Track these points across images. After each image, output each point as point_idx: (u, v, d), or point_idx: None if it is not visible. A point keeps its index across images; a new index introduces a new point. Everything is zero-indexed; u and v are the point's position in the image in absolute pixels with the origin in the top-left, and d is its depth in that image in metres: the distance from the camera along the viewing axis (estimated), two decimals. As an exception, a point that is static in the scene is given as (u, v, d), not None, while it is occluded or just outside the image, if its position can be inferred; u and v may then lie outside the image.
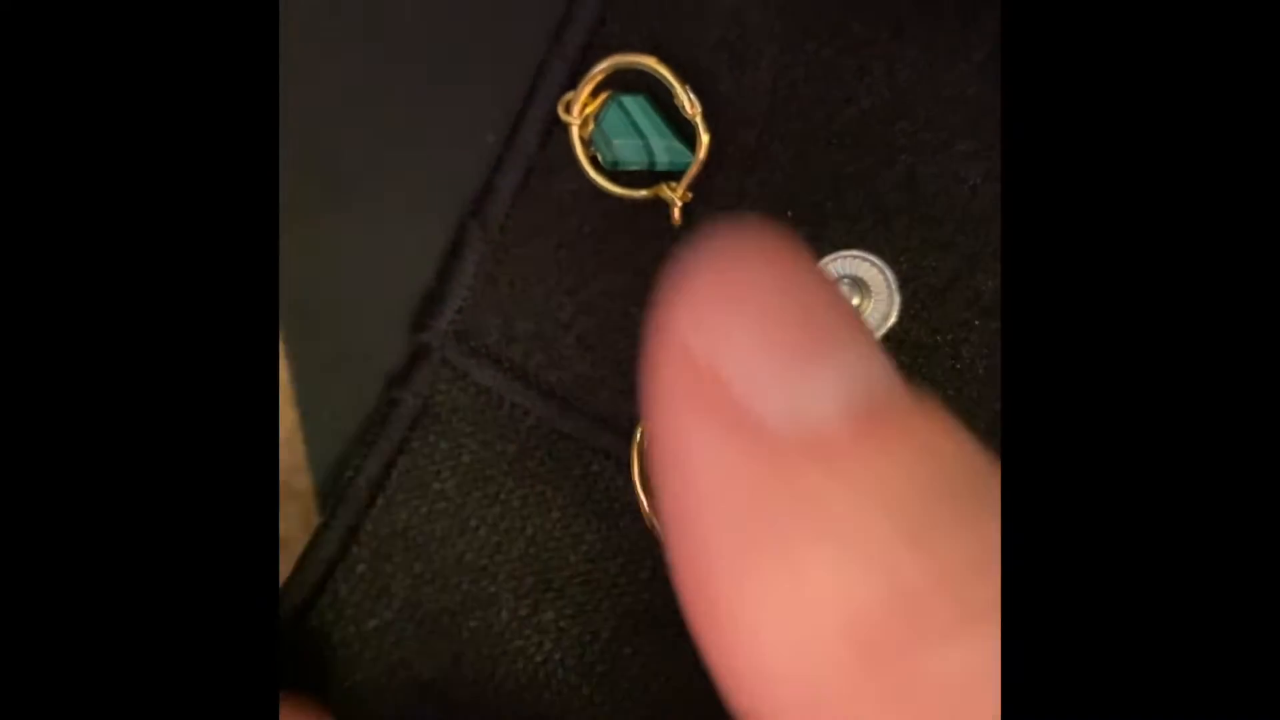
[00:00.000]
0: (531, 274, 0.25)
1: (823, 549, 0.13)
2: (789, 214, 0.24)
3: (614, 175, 0.24)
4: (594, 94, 0.24)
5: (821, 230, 0.24)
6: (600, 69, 0.23)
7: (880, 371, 0.13)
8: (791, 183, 0.24)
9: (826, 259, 0.23)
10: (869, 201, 0.23)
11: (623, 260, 0.24)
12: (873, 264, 0.23)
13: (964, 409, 0.23)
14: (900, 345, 0.23)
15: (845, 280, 0.23)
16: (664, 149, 0.23)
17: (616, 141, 0.23)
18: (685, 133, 0.23)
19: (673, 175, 0.23)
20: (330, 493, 0.26)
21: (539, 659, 0.25)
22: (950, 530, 0.13)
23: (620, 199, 0.24)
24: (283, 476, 0.27)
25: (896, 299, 0.23)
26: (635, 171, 0.24)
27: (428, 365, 0.25)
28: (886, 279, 0.23)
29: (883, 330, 0.23)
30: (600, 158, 0.24)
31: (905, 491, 0.13)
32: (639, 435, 0.24)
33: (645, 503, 0.23)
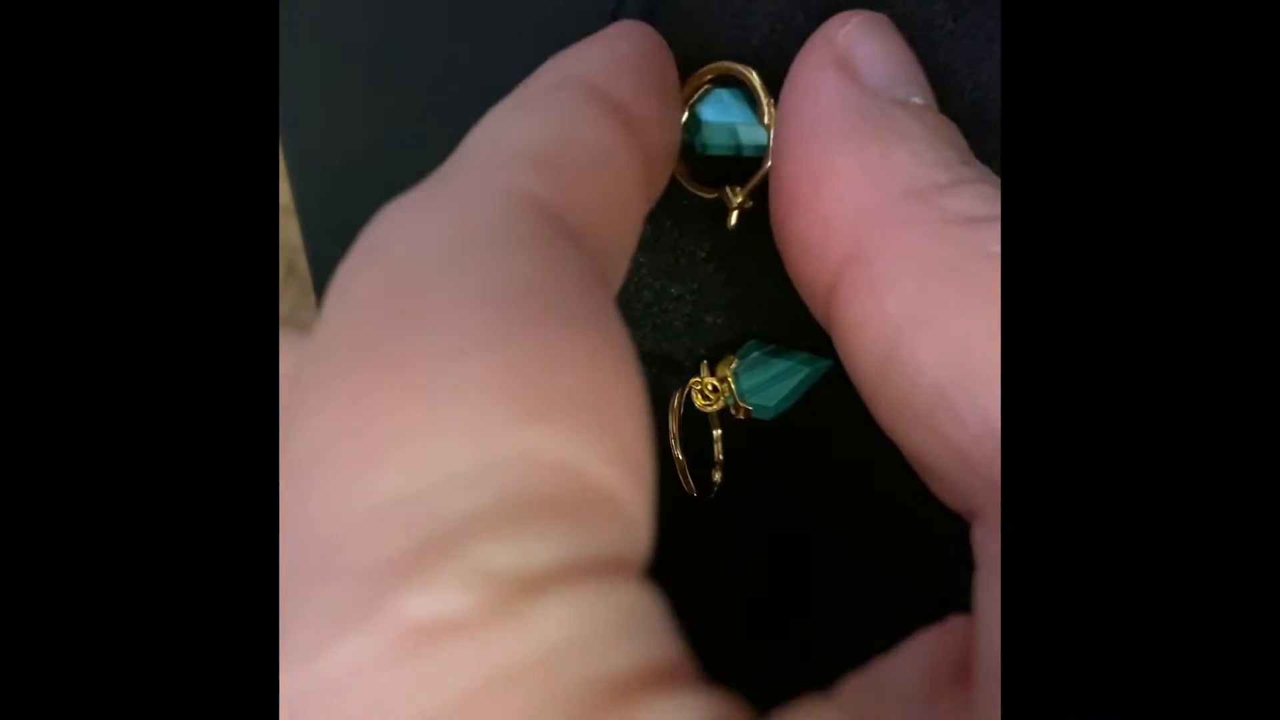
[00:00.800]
0: None
1: (903, 143, 0.20)
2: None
3: (696, 168, 0.25)
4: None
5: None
6: (706, 71, 0.24)
7: (932, 98, 0.22)
8: None
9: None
10: None
11: (660, 241, 0.26)
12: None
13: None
14: None
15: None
16: (749, 132, 0.24)
17: (710, 120, 0.24)
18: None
19: (757, 162, 0.24)
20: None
21: None
22: (957, 175, 0.20)
23: (685, 197, 0.25)
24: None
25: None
26: (715, 167, 0.25)
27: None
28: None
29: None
30: (692, 142, 0.24)
31: (938, 140, 0.21)
32: (678, 396, 0.25)
33: (681, 459, 0.25)
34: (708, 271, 0.26)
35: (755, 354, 0.25)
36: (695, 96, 0.24)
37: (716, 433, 0.25)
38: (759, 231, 0.23)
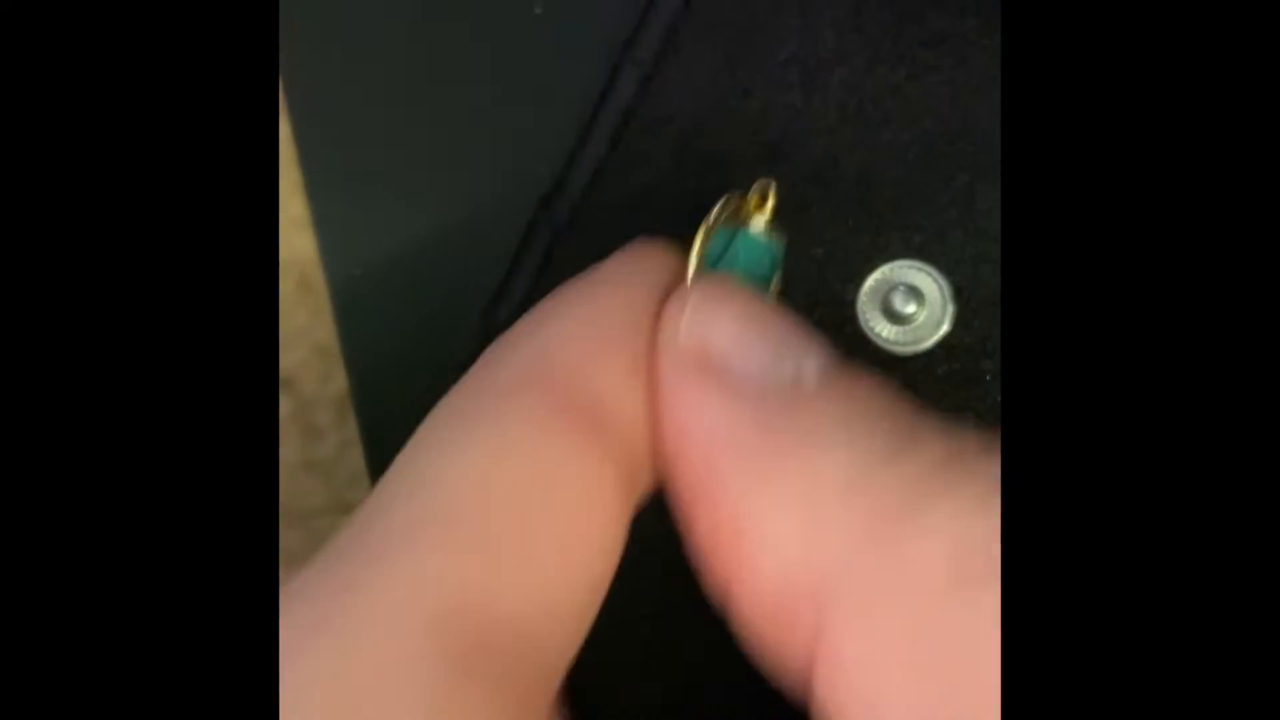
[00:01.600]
0: (597, 265, 0.26)
1: (828, 471, 0.16)
2: (849, 223, 0.25)
3: None
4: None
5: (880, 239, 0.25)
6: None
7: (826, 353, 0.18)
8: (854, 194, 0.25)
9: (885, 266, 0.25)
10: (927, 216, 0.25)
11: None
12: (928, 274, 0.25)
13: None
14: (951, 351, 0.25)
15: (901, 288, 0.24)
16: None
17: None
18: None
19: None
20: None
21: None
22: (899, 447, 0.16)
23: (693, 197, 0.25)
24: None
25: (950, 308, 0.24)
26: None
27: (493, 352, 0.26)
28: (941, 289, 0.25)
29: (936, 337, 0.24)
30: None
31: (860, 420, 0.17)
32: None
33: None
34: None
35: None
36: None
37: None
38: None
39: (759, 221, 0.23)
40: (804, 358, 0.18)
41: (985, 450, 0.16)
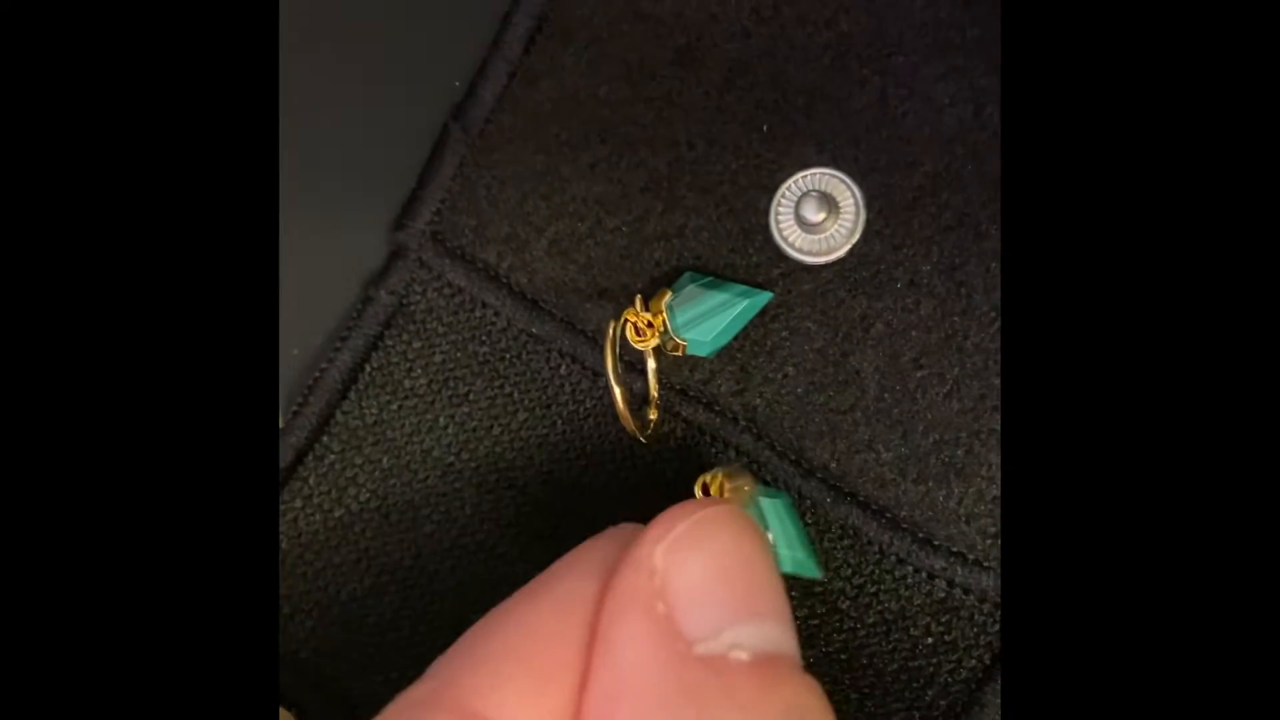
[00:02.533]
0: (508, 177, 0.25)
1: None
2: (765, 128, 0.25)
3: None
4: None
5: (795, 147, 0.24)
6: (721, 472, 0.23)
7: (786, 641, 0.18)
8: (769, 97, 0.25)
9: (798, 175, 0.24)
10: (841, 121, 0.24)
11: (598, 168, 0.25)
12: (842, 181, 0.24)
13: (921, 325, 0.24)
14: (863, 261, 0.24)
15: (814, 195, 0.24)
16: (789, 559, 0.22)
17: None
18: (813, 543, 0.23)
19: (788, 579, 0.21)
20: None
21: (499, 552, 0.25)
22: None
23: (602, 107, 0.24)
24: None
25: (863, 215, 0.24)
26: None
27: (404, 265, 0.26)
28: (855, 196, 0.24)
29: (849, 245, 0.24)
30: None
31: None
32: (612, 330, 0.24)
33: (619, 395, 0.24)
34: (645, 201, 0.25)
35: (690, 286, 0.24)
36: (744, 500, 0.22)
37: (651, 366, 0.24)
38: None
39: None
40: (751, 629, 0.18)
41: None
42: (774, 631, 0.18)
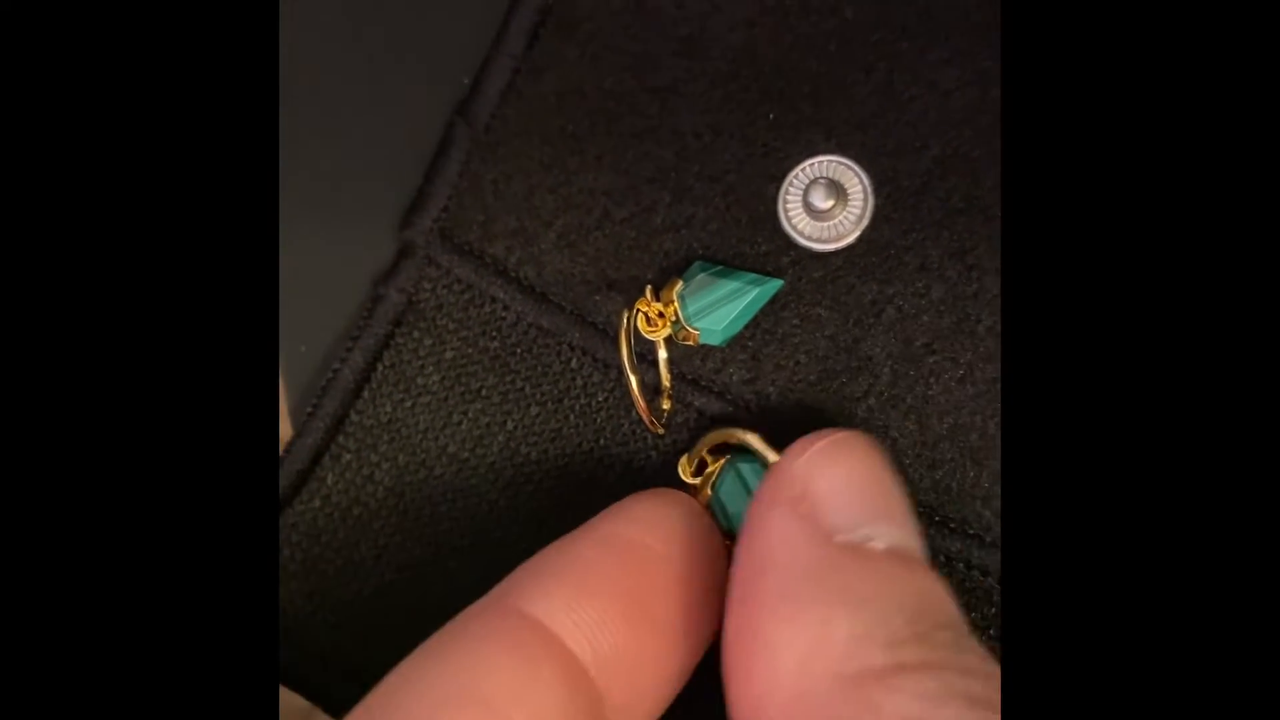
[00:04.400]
0: (515, 172, 0.25)
1: (845, 611, 0.18)
2: (771, 116, 0.25)
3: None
4: (713, 453, 0.24)
5: (802, 134, 0.24)
6: (706, 440, 0.24)
7: (916, 543, 0.20)
8: (774, 86, 0.25)
9: (806, 162, 0.24)
10: (848, 108, 0.24)
11: (604, 160, 0.25)
12: (849, 168, 0.24)
13: (932, 310, 0.24)
14: (872, 247, 0.24)
15: (822, 182, 0.24)
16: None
17: (732, 510, 0.23)
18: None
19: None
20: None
21: (518, 546, 0.25)
22: (932, 626, 0.18)
23: (607, 99, 0.24)
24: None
25: (871, 201, 0.24)
26: None
27: (413, 262, 0.26)
28: (862, 183, 0.24)
29: (858, 232, 0.24)
30: (718, 520, 0.23)
31: (890, 601, 0.18)
32: (626, 319, 0.24)
33: (635, 384, 0.24)
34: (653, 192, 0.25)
35: (701, 275, 0.24)
36: (714, 477, 0.23)
37: (663, 356, 0.24)
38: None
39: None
40: (885, 529, 0.19)
41: (988, 675, 0.17)
42: (904, 534, 0.20)
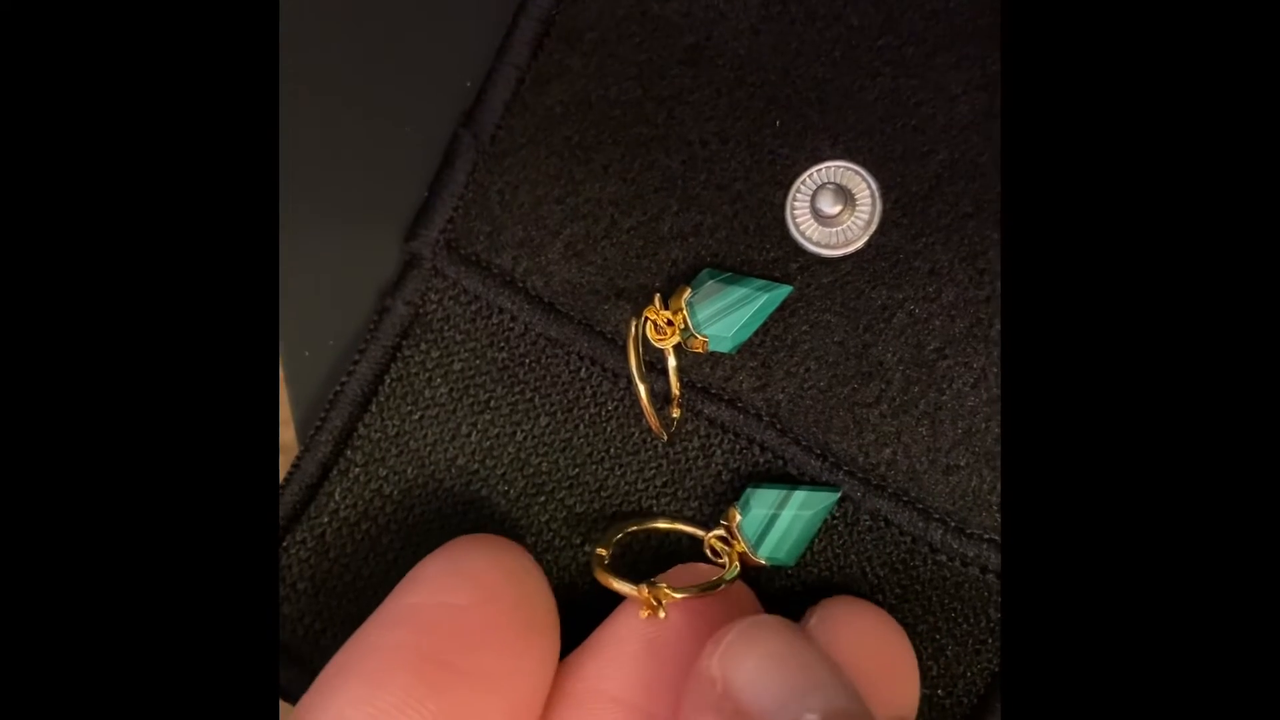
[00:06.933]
0: (521, 182, 0.25)
1: None
2: (777, 123, 0.24)
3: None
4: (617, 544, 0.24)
5: (808, 140, 0.24)
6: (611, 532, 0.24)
7: (852, 699, 0.19)
8: (780, 93, 0.25)
9: (813, 168, 0.24)
10: (854, 114, 0.24)
11: (611, 169, 0.25)
12: (857, 173, 0.24)
13: (943, 314, 0.24)
14: (881, 252, 0.24)
15: (830, 187, 0.24)
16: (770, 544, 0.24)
17: (752, 539, 0.24)
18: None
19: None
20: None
21: (534, 560, 0.25)
22: None
23: (613, 108, 0.24)
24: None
25: (879, 206, 0.24)
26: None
27: (419, 274, 0.26)
28: (870, 187, 0.24)
29: (866, 237, 0.24)
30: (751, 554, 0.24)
31: None
32: (634, 328, 0.24)
33: (644, 393, 0.24)
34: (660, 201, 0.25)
35: (710, 282, 0.24)
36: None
37: (672, 364, 0.24)
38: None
39: None
40: (815, 697, 0.19)
41: None
42: (835, 693, 0.19)
